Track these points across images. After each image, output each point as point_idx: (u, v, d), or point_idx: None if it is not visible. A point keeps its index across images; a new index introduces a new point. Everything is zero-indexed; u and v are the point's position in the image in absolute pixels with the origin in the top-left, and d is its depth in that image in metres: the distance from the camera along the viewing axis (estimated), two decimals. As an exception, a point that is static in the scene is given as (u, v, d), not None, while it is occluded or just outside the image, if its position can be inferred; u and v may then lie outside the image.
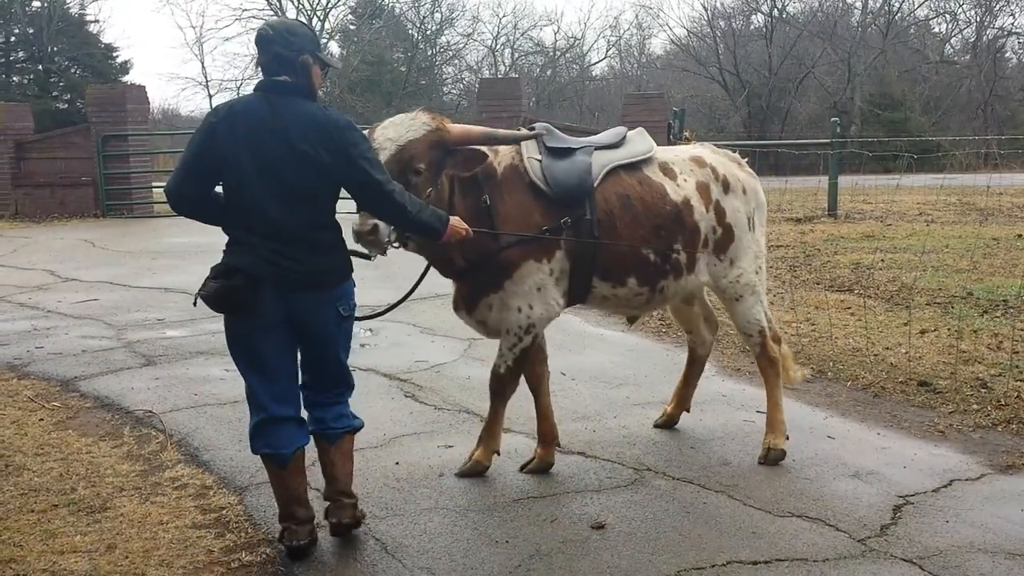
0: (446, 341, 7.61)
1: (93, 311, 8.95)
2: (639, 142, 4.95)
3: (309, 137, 3.66)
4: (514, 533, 4.14)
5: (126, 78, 39.09)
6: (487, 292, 4.56)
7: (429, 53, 48.38)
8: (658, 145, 5.18)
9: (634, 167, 4.84)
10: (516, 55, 50.36)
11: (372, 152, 3.81)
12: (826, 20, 42.20)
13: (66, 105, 37.80)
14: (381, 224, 3.89)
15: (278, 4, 45.07)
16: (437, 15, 47.66)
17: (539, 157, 4.60)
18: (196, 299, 3.75)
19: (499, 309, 4.58)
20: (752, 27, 44.76)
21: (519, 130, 4.72)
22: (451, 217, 4.05)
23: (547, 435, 4.93)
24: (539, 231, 4.49)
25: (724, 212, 5.01)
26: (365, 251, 4.07)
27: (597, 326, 8.24)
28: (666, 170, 4.93)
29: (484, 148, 4.39)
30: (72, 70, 39.88)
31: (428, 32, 47.91)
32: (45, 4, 39.53)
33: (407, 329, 8.09)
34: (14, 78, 39.61)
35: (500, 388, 4.77)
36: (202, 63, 64.59)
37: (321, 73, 3.86)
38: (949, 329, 7.70)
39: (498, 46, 49.52)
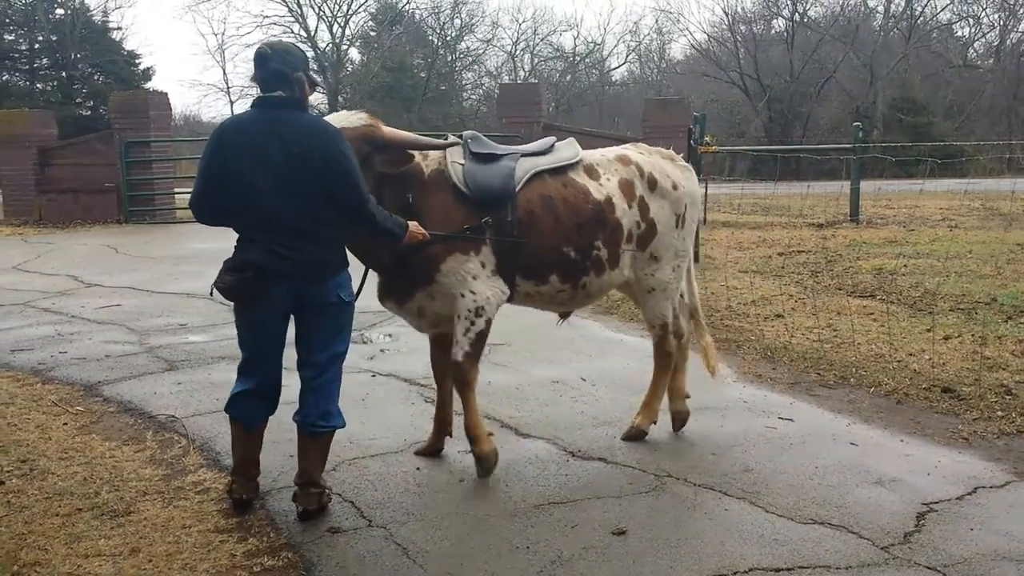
0: (466, 346, 7.62)
1: (116, 316, 9.02)
2: (566, 149, 5.21)
3: (306, 143, 4.09)
4: (535, 539, 4.14)
5: (148, 85, 39.46)
6: (423, 284, 4.83)
7: (449, 59, 48.55)
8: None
9: (560, 171, 5.09)
10: (536, 60, 50.54)
11: (357, 163, 4.24)
12: (848, 24, 42.03)
13: (89, 112, 38.19)
14: None
15: (299, 11, 45.33)
16: (457, 21, 47.87)
17: (462, 162, 4.89)
18: (212, 290, 4.18)
19: (441, 298, 4.84)
20: (773, 31, 44.69)
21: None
22: (409, 223, 4.48)
23: (442, 423, 5.24)
24: (460, 229, 4.77)
25: (648, 208, 5.24)
26: None
27: (617, 331, 8.22)
28: (590, 171, 5.18)
29: (413, 151, 4.76)
30: (95, 77, 40.25)
31: (448, 38, 48.10)
32: (68, 12, 39.92)
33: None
34: (38, 85, 40.04)
35: (463, 376, 4.86)
36: (223, 69, 64.79)
37: (309, 89, 4.26)
38: (973, 335, 7.64)
39: (518, 51, 49.69)
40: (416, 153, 4.79)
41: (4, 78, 40.20)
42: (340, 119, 4.57)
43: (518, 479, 4.84)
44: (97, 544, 4.10)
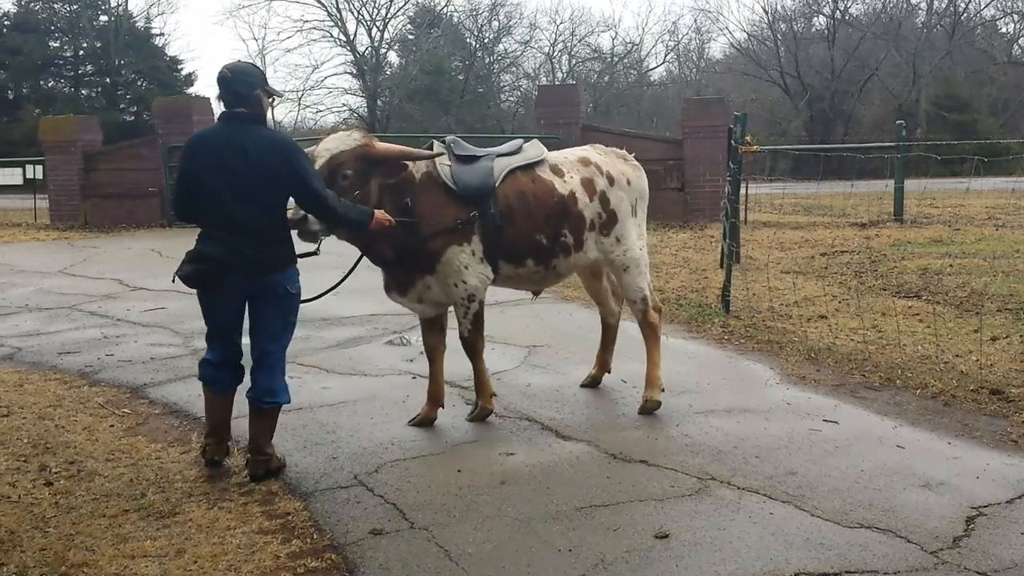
0: (506, 348, 7.62)
1: (161, 319, 9.11)
2: (532, 149, 5.93)
3: (264, 154, 4.67)
4: (578, 542, 4.12)
5: (191, 90, 39.95)
6: (422, 275, 5.53)
7: (487, 61, 48.61)
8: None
9: (529, 168, 5.81)
10: (573, 61, 50.42)
11: (311, 166, 4.86)
12: (890, 22, 41.53)
13: (133, 117, 38.71)
14: (310, 216, 4.91)
15: (338, 16, 45.63)
16: (495, 23, 47.90)
17: (449, 164, 5.57)
18: (174, 277, 4.78)
19: (439, 287, 5.57)
20: (814, 29, 44.25)
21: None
22: (376, 211, 5.05)
23: (435, 396, 5.87)
24: (453, 223, 5.45)
25: (608, 200, 5.97)
26: (312, 250, 5.12)
27: (658, 333, 8.17)
28: (555, 170, 5.89)
29: (419, 155, 5.44)
30: (138, 83, 40.82)
31: (486, 40, 48.16)
32: (112, 19, 40.50)
33: (468, 336, 8.10)
34: (83, 91, 40.66)
35: (471, 348, 5.76)
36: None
37: (268, 101, 4.90)
38: (1021, 336, 7.52)
39: (555, 53, 49.59)
40: (408, 163, 5.40)
41: (50, 84, 40.90)
42: (338, 141, 5.20)
43: (560, 481, 4.82)
44: (143, 545, 4.15)
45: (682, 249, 13.45)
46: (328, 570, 3.94)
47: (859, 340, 7.61)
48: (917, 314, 8.61)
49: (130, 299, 10.38)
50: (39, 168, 20.27)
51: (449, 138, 5.81)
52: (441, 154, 5.55)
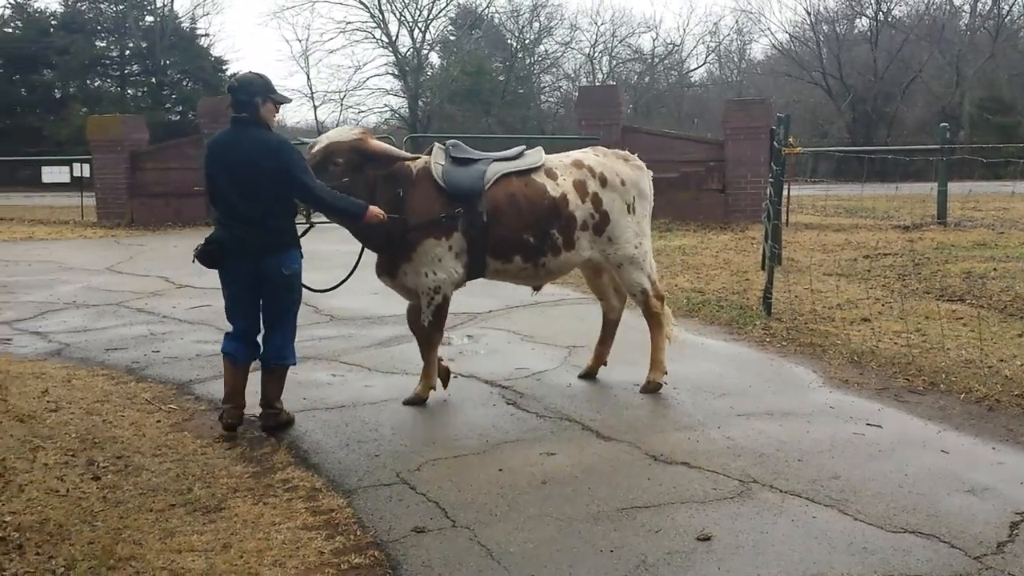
0: (546, 349, 7.64)
1: (206, 316, 9.22)
2: (532, 155, 6.35)
3: (259, 153, 5.41)
4: (620, 543, 4.13)
5: (234, 90, 40.13)
6: (401, 262, 6.05)
7: (527, 62, 48.53)
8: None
9: (524, 173, 6.21)
10: (614, 62, 50.17)
11: (303, 163, 5.53)
12: (933, 24, 40.97)
13: (178, 117, 39.13)
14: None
15: (381, 17, 45.79)
16: (536, 24, 47.80)
17: (443, 163, 6.11)
18: (193, 258, 5.54)
19: (412, 275, 6.05)
20: (856, 31, 43.73)
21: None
22: (371, 206, 5.66)
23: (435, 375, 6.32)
24: (437, 217, 5.94)
25: (601, 201, 6.31)
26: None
27: (699, 335, 8.16)
28: (549, 173, 6.27)
29: (403, 156, 6.07)
30: (184, 82, 41.27)
31: (526, 41, 48.06)
32: (158, 19, 40.99)
33: (506, 336, 8.13)
34: (129, 91, 41.15)
35: (426, 337, 6.17)
36: (307, 75, 66.14)
37: (274, 107, 5.64)
38: (1069, 341, 7.40)
39: (596, 54, 49.43)
40: (395, 158, 6.01)
41: (96, 84, 41.45)
42: (337, 134, 6.01)
43: (601, 482, 4.83)
44: (190, 539, 4.21)
45: (723, 251, 13.39)
46: (371, 567, 3.98)
47: (902, 344, 7.54)
48: (961, 318, 8.51)
49: (176, 296, 10.52)
50: (87, 167, 20.57)
51: (450, 142, 6.30)
52: (417, 157, 6.12)
